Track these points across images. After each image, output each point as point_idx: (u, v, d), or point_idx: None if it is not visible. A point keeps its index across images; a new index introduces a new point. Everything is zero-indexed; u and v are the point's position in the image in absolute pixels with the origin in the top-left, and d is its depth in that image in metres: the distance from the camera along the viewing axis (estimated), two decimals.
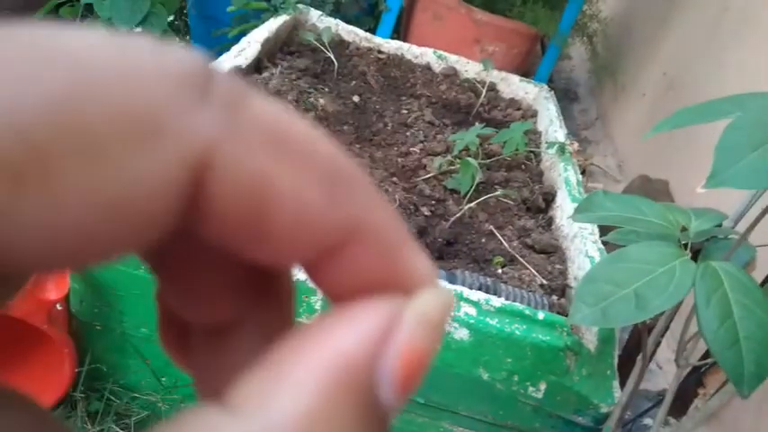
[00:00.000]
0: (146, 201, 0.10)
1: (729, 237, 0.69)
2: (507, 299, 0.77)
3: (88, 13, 1.43)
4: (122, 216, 0.10)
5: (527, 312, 0.75)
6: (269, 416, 0.10)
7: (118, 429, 0.79)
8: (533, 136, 1.32)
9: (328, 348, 0.11)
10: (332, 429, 0.10)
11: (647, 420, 1.07)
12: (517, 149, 1.14)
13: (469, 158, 1.02)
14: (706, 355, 0.96)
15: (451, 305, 0.13)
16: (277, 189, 0.11)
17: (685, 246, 0.54)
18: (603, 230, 0.97)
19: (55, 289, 0.70)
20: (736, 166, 0.54)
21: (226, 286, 0.14)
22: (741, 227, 0.72)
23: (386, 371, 0.11)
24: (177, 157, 0.10)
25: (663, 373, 1.23)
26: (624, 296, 0.47)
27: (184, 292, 0.14)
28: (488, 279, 0.82)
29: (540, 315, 0.75)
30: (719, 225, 0.59)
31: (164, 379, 0.83)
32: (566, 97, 2.26)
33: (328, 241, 0.12)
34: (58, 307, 0.74)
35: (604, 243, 0.89)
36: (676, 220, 0.55)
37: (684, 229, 0.56)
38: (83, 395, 0.77)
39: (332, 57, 1.35)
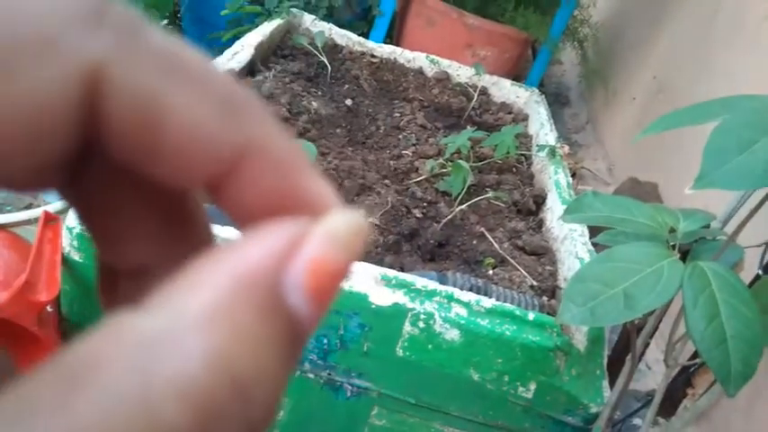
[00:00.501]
0: (39, 111, 0.11)
1: (718, 238, 0.69)
2: (498, 300, 0.78)
3: None
4: (19, 127, 0.11)
5: (517, 313, 0.75)
6: (174, 311, 0.11)
7: None
8: (524, 139, 1.33)
9: (234, 260, 0.12)
10: (234, 323, 0.11)
11: (637, 420, 1.07)
12: (508, 152, 1.15)
13: (461, 161, 1.03)
14: (695, 355, 0.97)
15: (363, 228, 0.13)
16: (169, 104, 0.12)
17: (673, 246, 0.55)
18: (593, 232, 0.98)
19: (45, 291, 0.70)
20: (723, 167, 0.55)
21: (143, 222, 0.15)
22: (729, 228, 0.73)
23: (292, 277, 0.12)
24: (68, 70, 0.11)
25: (652, 374, 1.23)
26: (613, 296, 0.48)
27: (107, 233, 0.15)
28: (479, 280, 0.82)
29: (531, 316, 0.76)
30: (707, 226, 0.59)
31: None
32: (556, 101, 2.27)
33: (223, 158, 0.13)
34: (49, 309, 0.74)
35: (594, 245, 0.90)
36: (665, 221, 0.56)
37: (673, 230, 0.56)
38: None
39: (325, 61, 1.35)
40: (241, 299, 0.11)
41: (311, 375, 0.79)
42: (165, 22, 1.93)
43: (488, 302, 0.76)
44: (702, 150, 0.59)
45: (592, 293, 0.49)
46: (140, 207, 0.15)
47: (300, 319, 0.12)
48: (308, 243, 0.12)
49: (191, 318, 0.11)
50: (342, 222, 0.13)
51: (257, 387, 0.11)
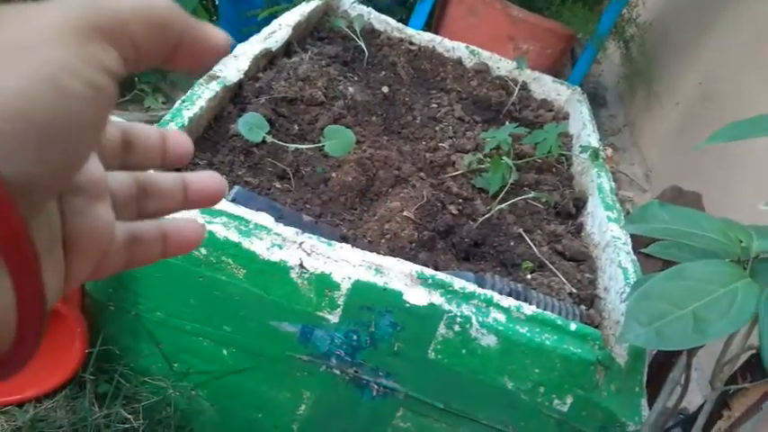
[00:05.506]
0: None
1: None
2: (538, 307, 0.74)
3: None
4: None
5: (559, 323, 0.72)
6: None
7: (126, 414, 0.76)
8: (565, 139, 1.28)
9: None
10: None
11: None
12: (550, 152, 1.11)
13: (503, 158, 0.99)
14: (733, 378, 0.92)
15: None
16: None
17: (745, 266, 0.50)
18: (636, 241, 0.93)
19: None
20: None
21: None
22: None
23: None
24: None
25: (679, 390, 1.19)
26: (681, 317, 0.44)
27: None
28: (518, 285, 0.79)
29: (572, 326, 0.72)
30: None
31: (176, 365, 0.80)
32: (593, 102, 2.21)
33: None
34: None
35: (639, 254, 0.86)
36: (737, 237, 0.52)
37: (743, 248, 0.52)
38: (92, 376, 0.75)
39: (362, 45, 1.31)
40: None
41: (337, 371, 0.76)
42: None
43: (529, 309, 0.72)
44: None
45: (658, 313, 0.45)
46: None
47: None
48: None
49: None
50: None
51: None
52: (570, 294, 0.86)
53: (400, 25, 1.48)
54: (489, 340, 0.71)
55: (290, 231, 0.71)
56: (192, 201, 0.28)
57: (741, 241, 0.52)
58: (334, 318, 0.72)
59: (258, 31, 1.20)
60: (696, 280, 0.46)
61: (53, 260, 0.21)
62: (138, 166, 0.27)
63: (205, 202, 0.29)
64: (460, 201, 1.00)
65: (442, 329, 0.71)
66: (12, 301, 0.17)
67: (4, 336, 0.18)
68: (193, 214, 0.70)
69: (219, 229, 0.70)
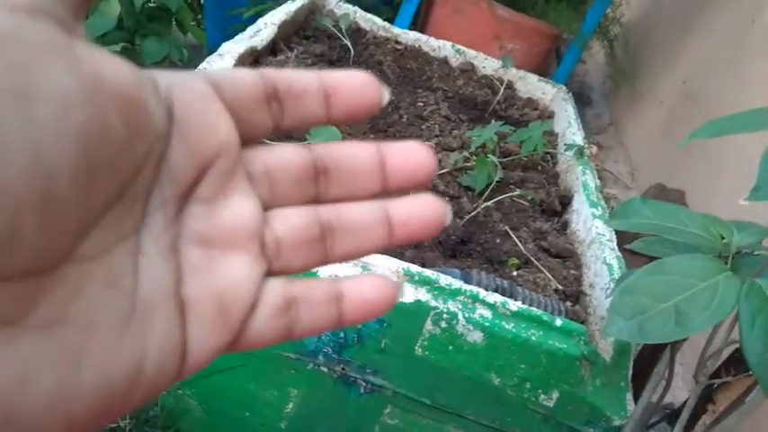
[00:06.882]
0: None
1: (756, 252, 0.66)
2: (524, 303, 0.74)
3: None
4: None
5: (544, 318, 0.72)
6: None
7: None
8: (550, 137, 1.29)
9: None
10: None
11: None
12: (535, 150, 1.11)
13: (488, 156, 0.99)
14: (717, 372, 0.93)
15: None
16: None
17: (726, 260, 0.51)
18: (621, 237, 0.94)
19: None
20: None
21: None
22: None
23: None
24: None
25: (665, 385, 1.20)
26: (663, 310, 0.45)
27: None
28: (504, 281, 0.79)
29: (558, 322, 0.73)
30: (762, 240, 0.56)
31: None
32: (579, 101, 2.22)
33: None
34: None
35: (625, 251, 0.87)
36: (718, 232, 0.52)
37: (724, 243, 0.53)
38: None
39: (348, 44, 1.32)
40: None
41: (324, 369, 0.76)
42: None
43: (514, 305, 0.72)
44: (760, 158, 0.55)
45: (641, 307, 0.45)
46: None
47: None
48: None
49: None
50: None
51: None
52: (556, 291, 0.87)
53: (386, 24, 1.49)
54: (476, 336, 0.71)
55: None
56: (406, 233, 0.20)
57: (722, 236, 0.53)
58: None
59: (243, 29, 1.20)
60: (678, 274, 0.47)
61: (141, 330, 0.17)
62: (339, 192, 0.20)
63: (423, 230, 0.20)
64: (447, 199, 1.00)
65: (428, 326, 0.71)
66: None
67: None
68: None
69: None
